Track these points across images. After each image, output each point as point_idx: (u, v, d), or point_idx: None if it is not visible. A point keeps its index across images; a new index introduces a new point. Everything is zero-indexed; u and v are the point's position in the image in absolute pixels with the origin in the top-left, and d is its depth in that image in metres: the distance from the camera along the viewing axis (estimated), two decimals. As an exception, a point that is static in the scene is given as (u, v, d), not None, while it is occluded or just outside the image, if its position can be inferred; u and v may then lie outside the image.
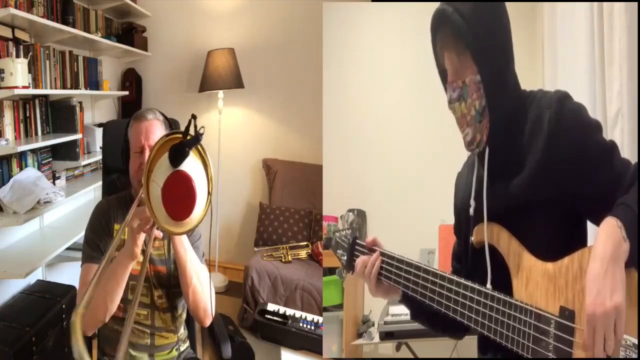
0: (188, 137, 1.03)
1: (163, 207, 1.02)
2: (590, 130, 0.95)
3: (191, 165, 1.04)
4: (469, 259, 1.07)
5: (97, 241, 1.47)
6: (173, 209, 1.02)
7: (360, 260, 1.16)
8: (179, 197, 1.01)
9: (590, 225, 0.99)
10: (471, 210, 1.04)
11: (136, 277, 1.44)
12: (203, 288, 1.41)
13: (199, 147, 1.05)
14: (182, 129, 1.04)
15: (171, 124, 1.54)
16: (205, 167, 1.07)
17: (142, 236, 1.26)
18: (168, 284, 1.50)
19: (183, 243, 1.38)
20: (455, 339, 1.19)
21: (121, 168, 1.55)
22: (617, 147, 0.95)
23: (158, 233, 1.28)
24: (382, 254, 1.14)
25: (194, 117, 1.03)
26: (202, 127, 1.03)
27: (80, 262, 1.53)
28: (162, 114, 1.53)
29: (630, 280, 0.81)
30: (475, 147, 1.02)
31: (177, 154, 1.02)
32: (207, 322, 1.47)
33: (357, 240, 1.22)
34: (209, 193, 1.06)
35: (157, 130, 1.46)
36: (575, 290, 0.85)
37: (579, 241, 0.97)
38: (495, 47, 0.98)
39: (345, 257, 1.23)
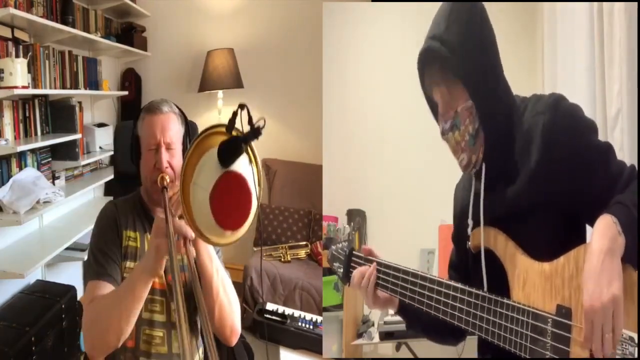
0: (235, 132, 0.87)
1: (212, 215, 0.87)
2: (585, 131, 0.94)
3: (243, 164, 0.88)
4: (469, 265, 1.07)
5: (106, 252, 1.26)
6: (226, 217, 0.88)
7: (357, 272, 1.14)
8: (234, 203, 0.87)
9: (588, 227, 0.98)
10: (469, 230, 1.03)
11: (154, 291, 1.26)
12: (230, 303, 1.24)
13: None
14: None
15: (186, 119, 1.39)
16: (253, 165, 0.92)
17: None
18: (188, 294, 1.25)
19: (208, 251, 1.19)
20: (450, 345, 1.19)
21: (134, 173, 1.38)
22: (613, 148, 0.95)
23: (193, 252, 1.08)
24: (379, 264, 1.12)
25: (242, 107, 0.86)
26: (262, 118, 0.86)
27: (79, 262, 1.44)
28: (177, 107, 1.38)
29: (627, 277, 0.81)
30: (472, 169, 1.02)
31: (230, 151, 0.85)
32: (234, 340, 1.29)
33: (354, 252, 1.20)
34: (258, 194, 0.91)
35: (173, 125, 1.31)
36: (572, 288, 0.85)
37: (577, 244, 0.97)
38: (485, 68, 0.97)
39: (342, 270, 1.22)
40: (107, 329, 1.11)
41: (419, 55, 1.01)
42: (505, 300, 0.90)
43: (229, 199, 0.87)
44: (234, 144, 0.86)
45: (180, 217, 1.08)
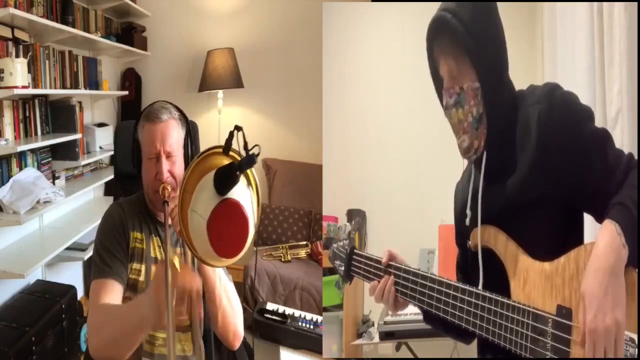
0: (230, 151, 0.87)
1: (209, 244, 0.86)
2: (580, 118, 0.93)
3: (240, 190, 0.87)
4: (468, 264, 1.06)
5: (112, 251, 1.26)
6: (223, 245, 0.87)
7: (373, 286, 1.12)
8: (230, 233, 0.86)
9: (586, 221, 0.98)
10: (467, 221, 1.03)
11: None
12: (233, 309, 1.24)
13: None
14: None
15: (187, 120, 1.36)
16: (251, 188, 0.90)
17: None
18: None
19: None
20: (464, 343, 1.17)
21: (134, 174, 1.37)
22: (611, 136, 0.94)
23: (200, 308, 1.07)
24: (397, 268, 1.09)
25: (237, 128, 0.85)
26: (257, 145, 0.84)
27: (79, 262, 1.43)
28: (178, 109, 1.33)
29: (627, 277, 0.81)
30: (472, 154, 1.00)
31: (226, 180, 0.85)
32: (237, 344, 1.30)
33: (355, 250, 1.20)
34: (255, 219, 0.90)
35: (174, 132, 1.28)
36: (572, 289, 0.85)
37: (575, 238, 0.96)
38: (494, 51, 0.97)
39: (343, 268, 1.21)
40: (110, 347, 1.11)
41: (430, 24, 0.99)
42: (506, 300, 0.90)
43: (226, 228, 0.86)
44: (229, 173, 0.85)
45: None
